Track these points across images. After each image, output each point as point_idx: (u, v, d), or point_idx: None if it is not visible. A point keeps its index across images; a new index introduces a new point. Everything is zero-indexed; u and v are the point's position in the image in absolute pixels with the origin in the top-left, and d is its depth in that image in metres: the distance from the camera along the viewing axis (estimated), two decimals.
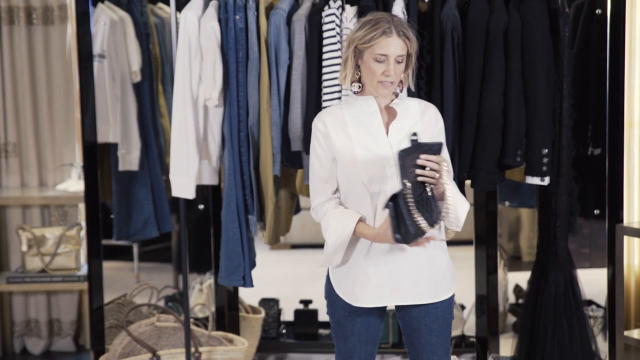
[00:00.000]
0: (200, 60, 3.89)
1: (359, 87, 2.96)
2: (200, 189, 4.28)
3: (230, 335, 4.41)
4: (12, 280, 4.77)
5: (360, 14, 3.76)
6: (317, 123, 2.97)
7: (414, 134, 2.88)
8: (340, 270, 3.02)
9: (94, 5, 4.63)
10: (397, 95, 2.99)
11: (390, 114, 2.97)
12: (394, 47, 2.87)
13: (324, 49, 3.75)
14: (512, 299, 5.21)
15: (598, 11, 4.35)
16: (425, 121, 2.98)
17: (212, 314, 4.53)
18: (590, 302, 4.79)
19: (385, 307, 3.06)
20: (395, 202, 2.76)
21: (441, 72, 3.74)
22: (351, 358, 3.07)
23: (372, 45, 2.87)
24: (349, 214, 2.93)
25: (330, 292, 3.06)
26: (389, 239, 2.82)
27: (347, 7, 3.81)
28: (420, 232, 2.77)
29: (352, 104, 2.97)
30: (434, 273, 2.98)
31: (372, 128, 2.94)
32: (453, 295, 3.06)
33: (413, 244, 2.80)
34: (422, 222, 2.75)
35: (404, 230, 2.76)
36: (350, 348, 3.07)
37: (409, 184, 2.74)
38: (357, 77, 2.96)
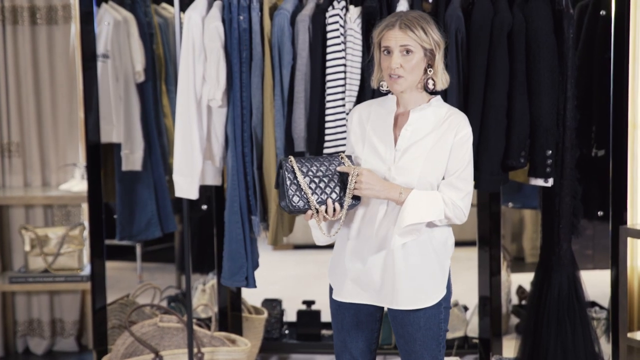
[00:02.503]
0: (204, 61, 3.89)
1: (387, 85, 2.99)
2: (203, 189, 4.28)
3: (233, 336, 4.41)
4: (15, 280, 4.77)
5: (364, 14, 3.76)
6: (352, 114, 3.06)
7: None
8: (332, 262, 3.08)
9: (98, 5, 4.63)
10: (428, 101, 2.98)
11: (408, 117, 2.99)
12: (395, 39, 2.88)
13: (328, 50, 3.75)
14: (515, 300, 5.20)
15: (602, 12, 4.35)
16: (441, 132, 2.94)
17: (214, 314, 4.53)
18: (593, 304, 4.79)
19: (382, 308, 3.08)
20: (278, 172, 2.93)
21: None
22: (343, 353, 3.10)
23: (379, 39, 2.92)
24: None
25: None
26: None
27: (351, 7, 3.81)
28: (295, 209, 2.91)
29: (382, 100, 3.03)
30: (413, 279, 2.95)
31: (384, 129, 2.98)
32: (440, 305, 3.00)
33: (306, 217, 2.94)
34: (282, 202, 2.93)
35: (282, 198, 2.92)
36: (341, 342, 3.10)
37: (289, 164, 2.90)
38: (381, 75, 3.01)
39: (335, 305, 3.09)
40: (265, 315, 4.83)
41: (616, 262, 4.09)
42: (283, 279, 6.58)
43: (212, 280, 5.05)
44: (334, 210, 2.91)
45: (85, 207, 4.95)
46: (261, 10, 3.87)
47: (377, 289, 2.98)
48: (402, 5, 3.72)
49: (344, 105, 3.74)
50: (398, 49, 2.88)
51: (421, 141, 2.93)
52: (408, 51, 2.88)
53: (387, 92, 3.05)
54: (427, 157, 2.92)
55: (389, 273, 2.95)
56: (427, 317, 2.98)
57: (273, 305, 5.03)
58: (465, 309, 5.03)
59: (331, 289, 3.10)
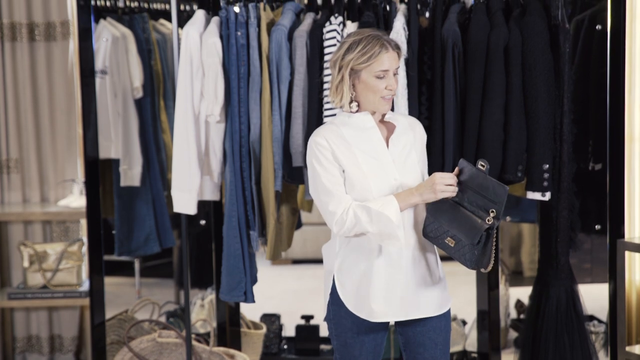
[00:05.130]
0: (202, 76, 3.90)
1: (357, 106, 2.98)
2: (201, 204, 4.29)
3: (232, 351, 4.41)
4: (13, 296, 4.76)
5: None
6: (318, 140, 2.94)
7: (483, 165, 2.84)
8: (353, 287, 2.99)
9: (96, 21, 4.66)
10: (386, 112, 3.03)
11: (386, 128, 3.00)
12: (392, 61, 2.91)
13: (325, 65, 3.76)
14: (513, 314, 5.20)
15: (598, 27, 4.37)
16: (417, 137, 3.04)
17: (213, 329, 4.53)
18: (591, 318, 4.79)
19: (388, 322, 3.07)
20: (489, 233, 2.80)
21: (442, 88, 3.75)
22: None
23: (371, 63, 2.90)
24: (379, 198, 2.91)
25: (336, 314, 3.03)
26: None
27: (349, 23, 3.83)
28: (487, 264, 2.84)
29: (347, 121, 2.98)
30: (437, 285, 3.01)
31: (373, 143, 2.96)
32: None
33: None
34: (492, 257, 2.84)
35: (487, 257, 2.83)
36: None
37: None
38: (352, 97, 2.97)
39: (352, 334, 3.01)
40: (264, 330, 4.83)
41: (614, 276, 4.09)
42: (281, 293, 6.58)
43: (210, 295, 5.05)
44: None
45: (83, 222, 4.95)
46: (259, 26, 3.88)
47: (419, 301, 2.98)
48: (399, 21, 3.73)
49: None
50: (393, 71, 2.92)
51: (406, 146, 3.00)
52: (397, 71, 2.96)
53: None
54: (417, 160, 3.00)
55: (424, 283, 2.98)
56: (446, 319, 3.04)
57: (272, 320, 5.03)
58: (464, 323, 5.03)
59: (340, 325, 3.01)
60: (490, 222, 2.76)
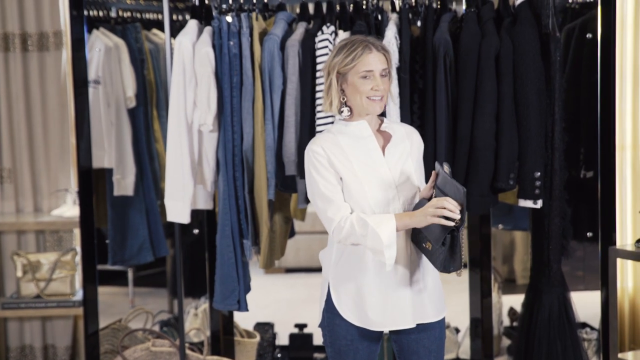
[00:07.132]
0: (194, 86, 3.91)
1: (349, 111, 2.99)
2: (195, 213, 4.29)
3: None
4: (7, 306, 4.76)
5: None
6: (315, 148, 2.94)
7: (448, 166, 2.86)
8: (349, 296, 2.98)
9: (89, 31, 4.67)
10: (382, 121, 3.03)
11: (382, 137, 3.00)
12: (377, 62, 2.91)
13: (318, 74, 3.78)
14: (506, 321, 5.21)
15: (589, 35, 4.39)
16: (413, 145, 3.03)
17: (207, 338, 4.53)
18: (584, 325, 4.80)
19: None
20: (453, 235, 2.80)
21: (434, 96, 3.77)
22: None
23: (355, 64, 2.90)
24: (381, 214, 2.89)
25: (330, 321, 3.02)
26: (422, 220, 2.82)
27: (340, 32, 3.84)
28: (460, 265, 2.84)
29: (344, 130, 2.98)
30: (433, 292, 3.01)
31: (370, 152, 2.96)
32: None
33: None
34: (464, 256, 2.83)
35: (457, 261, 2.81)
36: None
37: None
38: (344, 101, 2.98)
39: (347, 342, 3.00)
40: (258, 338, 4.83)
41: (606, 283, 4.10)
42: (275, 302, 6.58)
43: (204, 304, 5.05)
44: None
45: (77, 232, 4.95)
46: (251, 35, 3.90)
47: (410, 309, 2.97)
48: (391, 30, 3.75)
49: None
50: (379, 72, 2.91)
51: (402, 155, 2.99)
52: (386, 73, 2.93)
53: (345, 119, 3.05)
54: (413, 169, 2.99)
55: (421, 291, 2.98)
56: (440, 326, 3.04)
57: (265, 328, 5.03)
58: (457, 331, 5.04)
59: (334, 332, 3.01)
60: (456, 224, 2.78)
